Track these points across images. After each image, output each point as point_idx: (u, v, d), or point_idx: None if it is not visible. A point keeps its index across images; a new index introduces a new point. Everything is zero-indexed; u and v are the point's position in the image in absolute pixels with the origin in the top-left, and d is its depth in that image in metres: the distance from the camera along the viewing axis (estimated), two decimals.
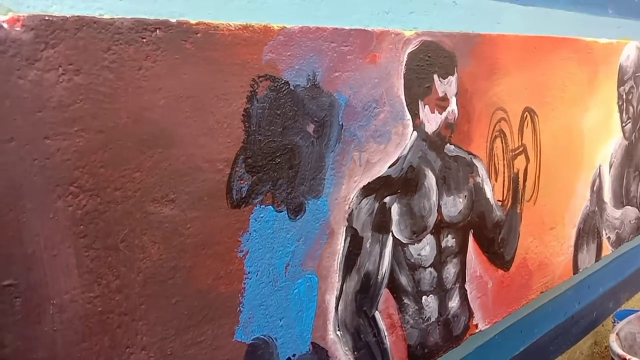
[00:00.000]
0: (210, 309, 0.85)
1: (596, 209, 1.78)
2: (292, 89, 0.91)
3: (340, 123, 1.00)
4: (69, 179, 0.70)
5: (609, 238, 1.87)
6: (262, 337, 0.92)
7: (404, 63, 1.09)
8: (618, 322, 1.92)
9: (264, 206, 0.90)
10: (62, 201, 0.69)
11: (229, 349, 0.88)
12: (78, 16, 0.69)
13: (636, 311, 2.00)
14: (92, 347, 0.73)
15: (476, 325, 1.38)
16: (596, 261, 1.83)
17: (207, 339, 0.85)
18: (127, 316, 0.76)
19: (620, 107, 1.82)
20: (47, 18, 0.66)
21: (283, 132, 0.91)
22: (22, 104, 0.65)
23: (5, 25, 0.63)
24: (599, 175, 1.77)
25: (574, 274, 1.74)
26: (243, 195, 0.88)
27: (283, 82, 0.90)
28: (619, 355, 1.55)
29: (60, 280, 0.70)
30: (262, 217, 0.90)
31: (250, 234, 0.89)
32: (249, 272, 0.90)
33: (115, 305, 0.75)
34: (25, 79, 0.65)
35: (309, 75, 0.94)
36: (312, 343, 1.01)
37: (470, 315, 1.35)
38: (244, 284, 0.89)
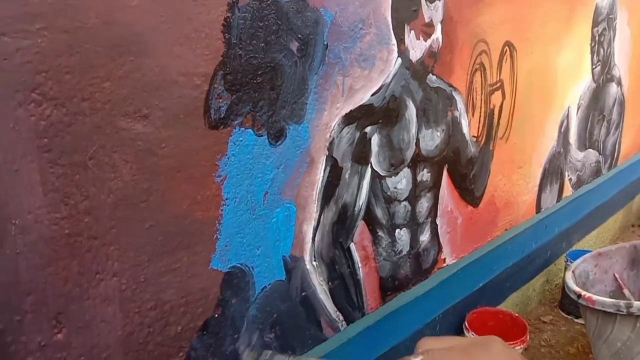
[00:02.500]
0: (185, 236, 0.80)
1: (562, 150, 1.80)
2: None
3: (325, 43, 0.93)
4: (30, 84, 0.61)
5: (570, 179, 1.91)
6: (238, 265, 0.88)
7: None
8: (571, 262, 1.99)
9: (243, 129, 0.84)
10: (23, 109, 0.61)
11: (204, 277, 0.84)
12: None
13: (587, 251, 2.07)
14: (59, 272, 0.67)
15: (444, 260, 1.39)
16: (557, 202, 1.87)
17: (182, 267, 0.81)
18: (97, 240, 0.70)
19: (592, 48, 1.82)
20: None
21: (265, 47, 0.84)
22: None
23: None
24: (567, 116, 1.78)
25: (537, 213, 1.77)
26: (222, 116, 0.81)
27: None
28: (574, 292, 1.60)
29: (22, 198, 0.63)
30: (241, 140, 0.84)
31: (228, 158, 0.83)
32: (226, 199, 0.84)
33: (84, 227, 0.69)
34: None
35: None
36: (287, 272, 0.98)
37: (439, 249, 1.36)
38: (222, 210, 0.84)
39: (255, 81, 0.84)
